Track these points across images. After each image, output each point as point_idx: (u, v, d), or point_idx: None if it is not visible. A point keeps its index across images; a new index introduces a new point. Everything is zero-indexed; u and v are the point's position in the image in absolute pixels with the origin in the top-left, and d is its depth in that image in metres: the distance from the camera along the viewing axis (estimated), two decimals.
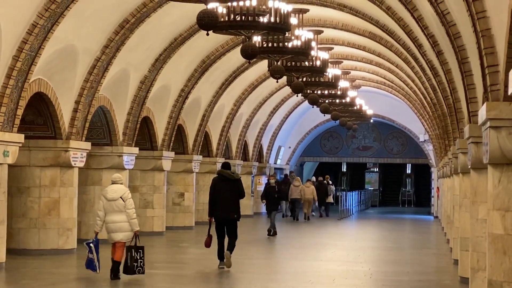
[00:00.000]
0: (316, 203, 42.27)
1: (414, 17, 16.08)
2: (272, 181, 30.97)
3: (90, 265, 16.21)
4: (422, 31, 16.22)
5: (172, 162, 28.69)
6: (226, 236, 18.56)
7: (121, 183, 16.41)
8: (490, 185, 9.60)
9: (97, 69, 21.01)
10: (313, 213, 42.22)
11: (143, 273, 16.18)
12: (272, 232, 28.93)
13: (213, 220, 18.60)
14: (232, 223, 18.63)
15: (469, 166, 12.24)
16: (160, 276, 17.85)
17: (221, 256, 18.44)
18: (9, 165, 18.55)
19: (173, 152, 28.66)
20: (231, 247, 18.50)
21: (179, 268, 19.43)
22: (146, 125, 26.88)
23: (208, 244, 18.60)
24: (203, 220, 31.48)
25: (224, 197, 18.48)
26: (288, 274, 18.48)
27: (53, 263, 19.07)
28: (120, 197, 15.96)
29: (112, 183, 16.38)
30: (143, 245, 16.23)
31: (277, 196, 30.75)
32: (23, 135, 18.65)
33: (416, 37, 18.68)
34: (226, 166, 19.17)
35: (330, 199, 44.90)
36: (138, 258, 16.01)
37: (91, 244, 16.14)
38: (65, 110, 20.78)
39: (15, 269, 17.86)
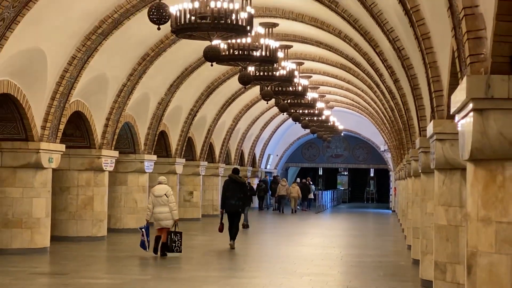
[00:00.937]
0: (300, 199, 42.51)
1: (376, 52, 16.10)
2: (246, 181, 27.86)
3: (143, 245, 17.22)
4: (383, 63, 16.24)
5: (183, 167, 28.66)
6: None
7: (165, 183, 17.53)
8: (436, 185, 9.61)
9: (124, 92, 20.99)
10: (298, 207, 42.32)
11: (180, 251, 17.17)
12: (246, 226, 26.86)
13: (224, 211, 19.63)
14: (237, 215, 19.58)
15: (420, 171, 12.24)
16: (174, 258, 17.80)
17: (232, 235, 19.47)
18: (53, 169, 18.54)
19: (184, 159, 28.62)
20: (234, 235, 19.48)
21: (188, 252, 19.36)
22: (162, 137, 26.84)
23: (221, 230, 19.55)
24: (208, 213, 31.50)
25: (232, 196, 19.45)
26: (276, 257, 18.46)
27: (88, 248, 19.01)
28: (164, 194, 17.16)
29: (158, 183, 17.53)
30: (181, 231, 17.28)
31: (249, 194, 25.73)
32: (64, 145, 18.62)
33: (378, 67, 18.71)
34: (235, 171, 20.41)
35: (311, 195, 45.18)
36: (176, 240, 17.08)
37: (143, 229, 17.21)
38: (98, 125, 20.76)
39: (57, 252, 17.81)
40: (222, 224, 19.56)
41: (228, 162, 37.34)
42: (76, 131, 20.58)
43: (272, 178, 46.56)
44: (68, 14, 16.17)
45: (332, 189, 55.01)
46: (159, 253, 17.14)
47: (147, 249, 17.19)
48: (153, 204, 17.18)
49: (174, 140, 27.57)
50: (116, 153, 21.85)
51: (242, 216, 21.53)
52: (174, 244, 17.10)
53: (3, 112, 16.98)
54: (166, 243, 17.11)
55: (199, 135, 30.76)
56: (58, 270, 15.13)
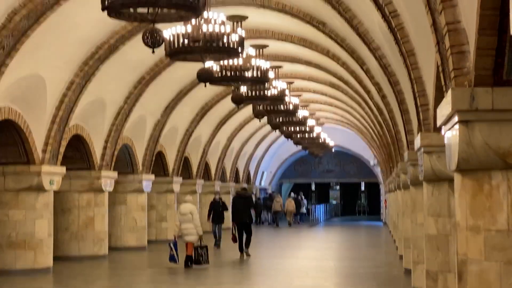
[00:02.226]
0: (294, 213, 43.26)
1: (363, 70, 16.13)
2: (217, 197, 25.52)
3: (172, 258, 18.16)
4: (370, 80, 16.26)
5: (181, 185, 28.57)
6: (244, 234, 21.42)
7: (190, 202, 18.74)
8: (425, 196, 9.58)
9: (121, 115, 20.95)
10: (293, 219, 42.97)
11: (208, 263, 18.23)
12: (217, 244, 24.73)
13: (235, 224, 21.60)
14: (248, 225, 21.49)
15: (409, 183, 12.22)
16: (176, 274, 17.72)
17: (241, 249, 21.14)
18: (55, 191, 18.46)
19: (181, 178, 28.53)
20: (248, 242, 21.28)
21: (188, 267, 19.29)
22: (160, 157, 26.78)
23: (234, 240, 21.51)
24: (205, 230, 31.28)
25: (241, 209, 21.60)
26: (271, 269, 18.38)
27: (90, 266, 18.91)
28: (189, 212, 18.26)
29: (184, 202, 18.79)
30: (206, 245, 18.37)
31: (221, 210, 25.19)
32: (64, 168, 18.54)
33: (365, 85, 18.73)
34: (243, 189, 23.68)
35: (304, 210, 45.39)
36: (203, 253, 18.14)
37: (171, 244, 18.27)
38: (97, 147, 20.70)
39: (60, 272, 17.71)
40: (233, 235, 21.52)
41: (224, 180, 37.29)
42: (76, 153, 20.50)
43: (268, 195, 46.92)
44: (66, 41, 16.16)
45: (324, 203, 54.93)
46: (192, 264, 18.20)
47: (177, 262, 18.06)
48: (180, 221, 18.32)
49: (171, 160, 27.51)
50: (115, 174, 21.77)
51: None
52: (201, 258, 18.11)
53: (5, 137, 16.92)
54: (191, 256, 18.14)
55: (195, 154, 30.70)
56: None
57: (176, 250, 18.08)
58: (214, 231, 25.26)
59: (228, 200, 32.47)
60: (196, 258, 18.09)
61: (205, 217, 26.04)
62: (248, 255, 21.00)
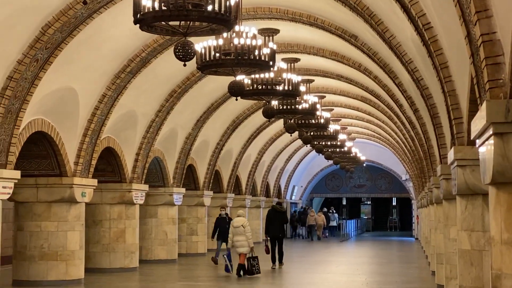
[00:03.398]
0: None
1: (395, 84, 16.02)
2: (223, 212, 23.38)
3: (226, 269, 19.95)
4: (402, 94, 16.15)
5: (211, 199, 28.60)
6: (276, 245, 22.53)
7: (243, 216, 20.11)
8: (458, 211, 9.46)
9: (152, 128, 21.04)
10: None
11: (259, 272, 19.36)
12: (215, 260, 23.06)
13: (268, 237, 22.61)
14: (280, 239, 22.55)
15: (442, 197, 12.08)
16: (204, 287, 17.71)
17: (273, 260, 22.16)
18: (86, 203, 18.56)
19: (212, 191, 28.56)
20: (280, 256, 22.37)
21: (218, 281, 19.27)
22: (191, 170, 26.84)
23: (267, 251, 22.35)
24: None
25: (275, 223, 22.48)
26: (301, 284, 18.28)
27: (121, 279, 18.95)
28: (241, 225, 19.49)
29: (237, 216, 20.12)
30: (257, 255, 19.54)
31: (228, 227, 21.71)
32: (96, 180, 18.65)
33: (398, 99, 18.61)
34: (278, 203, 24.07)
35: (334, 223, 47.17)
36: (255, 264, 19.28)
37: (225, 256, 20.00)
38: (128, 160, 20.79)
39: (91, 284, 17.77)
40: (267, 246, 22.48)
41: (254, 194, 37.25)
42: (108, 166, 20.62)
43: (302, 209, 47.58)
44: (98, 54, 16.29)
45: (355, 218, 54.66)
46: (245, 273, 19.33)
47: (231, 272, 19.72)
48: (233, 233, 19.51)
49: (201, 173, 27.55)
50: (146, 187, 21.85)
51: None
52: (254, 268, 19.25)
53: (38, 150, 17.08)
54: (243, 265, 19.28)
55: (226, 168, 30.72)
56: None
57: (230, 260, 19.85)
58: (218, 250, 22.95)
59: (259, 213, 32.41)
60: (249, 268, 19.19)
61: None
62: (281, 264, 22.36)
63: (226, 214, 23.40)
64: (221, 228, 22.59)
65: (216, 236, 22.67)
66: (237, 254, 19.56)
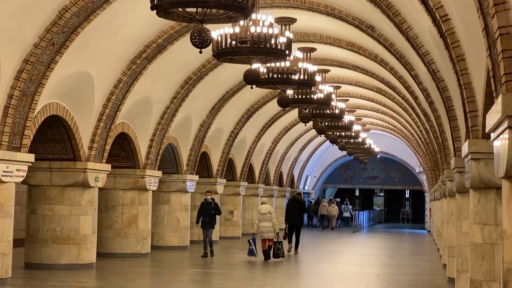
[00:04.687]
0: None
1: (411, 75, 15.97)
2: (209, 197, 21.72)
3: (252, 253, 20.63)
4: (418, 86, 16.09)
5: (224, 187, 28.65)
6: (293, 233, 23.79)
7: (268, 204, 21.34)
8: (471, 204, 9.44)
9: (167, 115, 21.07)
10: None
11: (283, 256, 20.84)
12: (209, 253, 21.29)
13: (287, 224, 23.71)
14: (298, 227, 23.87)
15: (455, 190, 12.05)
16: (215, 274, 17.76)
17: (290, 240, 23.64)
18: (99, 188, 18.64)
19: (225, 179, 28.61)
20: (296, 244, 23.76)
21: (228, 269, 19.33)
22: (204, 158, 26.89)
23: (285, 237, 22.97)
24: (247, 232, 31.43)
25: (294, 212, 23.71)
26: (313, 274, 18.31)
27: (132, 264, 19.04)
28: (268, 212, 20.79)
29: (262, 204, 21.56)
30: (282, 240, 21.00)
31: (213, 213, 21.50)
32: (110, 165, 18.71)
33: (413, 90, 18.55)
34: (298, 194, 25.43)
35: (347, 214, 48.50)
36: (280, 247, 20.72)
37: (250, 241, 20.65)
38: (142, 146, 20.85)
39: (103, 268, 17.86)
40: (285, 233, 23.37)
41: (268, 183, 37.28)
42: (121, 151, 20.69)
43: (316, 199, 48.35)
44: (115, 39, 16.31)
45: (368, 210, 54.64)
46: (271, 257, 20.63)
47: (256, 256, 20.56)
48: (259, 219, 20.69)
49: (215, 161, 27.59)
50: (159, 173, 21.90)
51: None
52: (279, 251, 20.67)
53: (52, 133, 17.15)
54: (269, 250, 20.59)
55: (240, 156, 30.74)
56: (104, 285, 15.15)
57: (254, 245, 20.53)
58: (205, 239, 21.37)
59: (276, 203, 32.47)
60: (275, 251, 20.57)
61: (249, 219, 26.06)
62: (296, 252, 23.57)
63: (212, 199, 21.86)
64: (206, 214, 21.26)
65: (200, 223, 21.24)
66: (260, 239, 20.73)
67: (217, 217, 23.09)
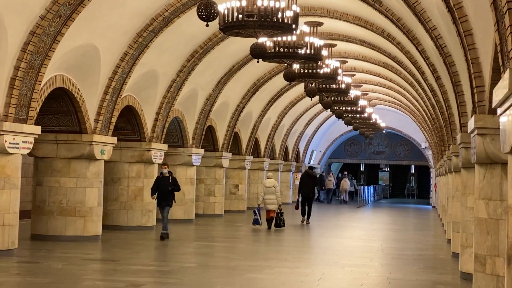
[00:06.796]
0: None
1: (418, 50, 15.91)
2: (165, 170, 18.54)
3: (256, 221, 22.78)
4: (425, 61, 16.04)
5: (230, 160, 28.70)
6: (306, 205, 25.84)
7: (272, 179, 23.34)
8: (476, 180, 9.45)
9: (173, 88, 21.06)
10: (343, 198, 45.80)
11: (284, 226, 22.67)
12: (165, 235, 18.31)
13: (300, 196, 26.25)
14: (310, 199, 26.01)
15: (460, 166, 12.07)
16: (219, 247, 17.84)
17: (303, 214, 25.74)
18: (105, 161, 18.69)
19: (231, 153, 28.65)
20: (308, 215, 25.64)
21: (234, 242, 19.41)
22: (210, 132, 26.91)
23: (297, 208, 26.24)
24: (252, 205, 31.54)
25: (307, 185, 26.00)
26: (318, 248, 18.37)
27: (137, 236, 19.13)
28: (273, 186, 22.75)
29: (267, 178, 23.73)
30: (283, 211, 22.95)
31: (170, 189, 18.32)
32: (116, 138, 18.75)
33: (420, 65, 18.50)
34: (310, 168, 27.75)
35: (352, 188, 48.71)
36: (282, 218, 22.69)
37: (255, 211, 22.90)
38: (148, 119, 20.86)
39: (108, 240, 17.96)
40: (297, 204, 26.33)
41: (273, 157, 37.33)
42: (127, 124, 20.71)
43: (323, 173, 48.61)
44: (121, 12, 16.28)
45: (373, 185, 54.70)
46: (272, 227, 22.53)
47: (260, 224, 22.73)
48: (264, 192, 22.73)
49: (221, 135, 27.61)
50: (165, 147, 21.94)
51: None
52: (281, 222, 22.57)
53: (59, 106, 17.18)
54: (271, 219, 22.53)
55: (245, 131, 30.75)
56: (109, 257, 15.24)
57: (259, 215, 22.68)
58: (165, 222, 18.37)
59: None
60: (277, 221, 22.51)
61: (254, 193, 26.24)
62: (308, 223, 25.42)
63: (170, 172, 18.81)
64: (162, 188, 18.37)
65: (157, 200, 18.65)
66: (265, 210, 22.74)
67: (176, 194, 18.93)
